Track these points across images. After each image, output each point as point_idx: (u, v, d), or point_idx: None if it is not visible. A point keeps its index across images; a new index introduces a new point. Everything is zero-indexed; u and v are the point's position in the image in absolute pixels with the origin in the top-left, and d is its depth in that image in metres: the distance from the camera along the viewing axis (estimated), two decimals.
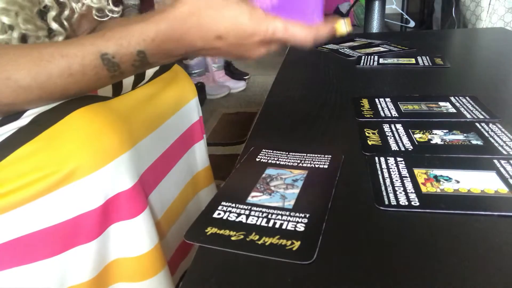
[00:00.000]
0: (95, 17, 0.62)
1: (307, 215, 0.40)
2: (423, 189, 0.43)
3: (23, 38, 0.52)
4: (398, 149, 0.52)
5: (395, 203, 0.41)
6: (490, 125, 0.58)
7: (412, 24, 3.19)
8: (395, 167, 0.48)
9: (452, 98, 0.69)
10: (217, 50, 0.44)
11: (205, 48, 0.44)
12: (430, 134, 0.56)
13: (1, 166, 0.39)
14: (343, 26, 0.47)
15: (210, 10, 0.41)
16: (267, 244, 0.36)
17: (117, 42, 0.41)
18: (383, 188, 0.44)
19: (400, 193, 0.42)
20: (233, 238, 0.37)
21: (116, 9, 0.63)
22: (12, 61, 0.40)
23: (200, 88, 2.21)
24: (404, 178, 0.45)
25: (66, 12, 0.57)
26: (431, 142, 0.54)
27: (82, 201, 0.42)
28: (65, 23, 0.58)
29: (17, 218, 0.40)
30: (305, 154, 0.52)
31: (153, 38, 0.41)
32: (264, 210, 0.41)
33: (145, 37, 0.41)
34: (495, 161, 0.48)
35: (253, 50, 0.45)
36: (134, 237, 0.47)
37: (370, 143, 0.54)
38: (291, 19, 0.44)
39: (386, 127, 0.59)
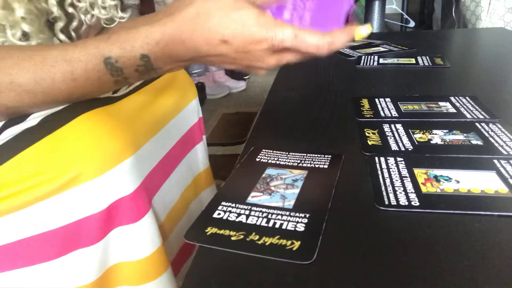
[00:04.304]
0: (104, 25, 0.62)
1: (307, 215, 0.40)
2: (423, 189, 0.43)
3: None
4: (398, 149, 0.52)
5: (395, 203, 0.41)
6: (490, 125, 0.58)
7: (412, 24, 3.20)
8: (395, 167, 0.48)
9: (452, 98, 0.69)
10: (223, 57, 0.42)
11: (210, 54, 0.42)
12: (430, 134, 0.56)
13: (5, 168, 0.39)
14: (362, 31, 0.42)
15: (218, 12, 0.40)
16: (267, 244, 0.36)
17: (121, 46, 0.41)
18: (383, 188, 0.44)
19: (400, 193, 0.42)
20: (233, 238, 0.37)
21: (125, 15, 0.62)
22: (16, 64, 0.40)
23: (200, 88, 2.21)
24: (404, 178, 0.45)
25: (75, 24, 0.57)
26: (431, 142, 0.54)
27: (84, 205, 0.42)
28: (73, 34, 0.57)
29: (19, 221, 0.40)
30: (305, 154, 0.52)
31: (157, 41, 0.41)
32: (264, 210, 0.41)
33: (149, 40, 0.40)
34: (495, 161, 0.48)
35: (262, 59, 0.42)
36: (136, 241, 0.47)
37: (370, 143, 0.54)
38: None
39: (386, 127, 0.59)
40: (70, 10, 0.56)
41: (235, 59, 0.42)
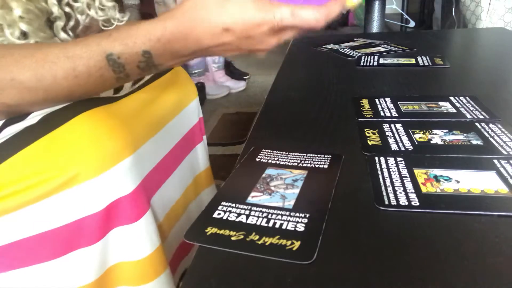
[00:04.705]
0: (102, 27, 0.62)
1: (307, 215, 0.40)
2: (423, 189, 0.43)
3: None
4: (398, 149, 0.52)
5: (395, 203, 0.41)
6: (490, 125, 0.58)
7: (412, 24, 3.20)
8: (395, 167, 0.48)
9: (452, 98, 0.69)
10: (226, 46, 0.42)
11: (213, 44, 0.42)
12: (430, 134, 0.56)
13: (4, 167, 0.39)
14: None
15: (215, 3, 0.40)
16: (267, 244, 0.36)
17: (123, 42, 0.41)
18: (383, 188, 0.44)
19: (400, 193, 0.42)
20: (233, 238, 0.37)
21: (123, 18, 0.62)
22: (17, 62, 0.40)
23: (200, 88, 2.21)
24: (404, 178, 0.45)
25: (71, 23, 0.57)
26: (431, 142, 0.54)
27: (84, 205, 0.42)
28: (71, 33, 0.58)
29: (18, 220, 0.40)
30: (305, 154, 0.52)
31: (159, 38, 0.41)
32: (264, 210, 0.41)
33: (151, 36, 0.41)
34: (495, 161, 0.48)
35: (264, 41, 0.43)
36: (136, 241, 0.47)
37: (370, 143, 0.54)
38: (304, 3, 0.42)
39: (386, 127, 0.59)
40: (67, 9, 0.56)
41: (237, 46, 0.43)
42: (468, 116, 0.61)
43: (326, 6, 0.42)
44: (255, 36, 0.42)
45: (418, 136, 0.55)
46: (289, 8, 0.41)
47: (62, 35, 0.56)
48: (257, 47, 0.43)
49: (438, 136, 0.55)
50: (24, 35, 0.50)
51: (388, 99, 0.70)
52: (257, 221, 0.39)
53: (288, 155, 0.52)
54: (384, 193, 0.43)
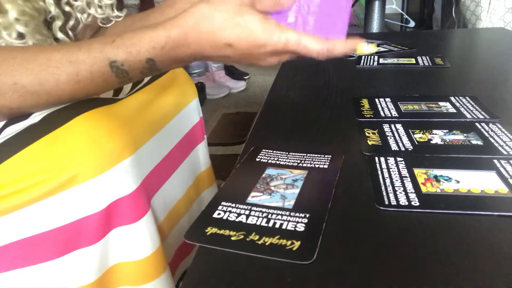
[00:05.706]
0: (100, 24, 0.62)
1: (307, 215, 0.40)
2: (423, 189, 0.43)
3: None
4: (398, 149, 0.52)
5: (395, 203, 0.41)
6: (490, 125, 0.58)
7: (412, 24, 3.19)
8: (395, 167, 0.48)
9: (452, 98, 0.69)
10: (227, 58, 0.43)
11: (215, 55, 0.43)
12: (430, 134, 0.56)
13: (4, 167, 0.39)
14: (365, 48, 0.44)
15: (222, 16, 0.40)
16: (267, 244, 0.36)
17: (127, 50, 0.41)
18: (383, 188, 0.44)
19: (400, 193, 0.42)
20: (233, 238, 0.37)
21: (120, 14, 0.63)
22: (19, 66, 0.40)
23: (200, 88, 2.21)
24: (404, 178, 0.45)
25: (71, 22, 0.58)
26: (431, 142, 0.54)
27: (84, 205, 0.42)
28: (70, 32, 0.58)
29: (18, 221, 0.40)
30: (305, 154, 0.52)
31: (163, 46, 0.41)
32: (264, 210, 0.41)
33: (155, 44, 0.41)
34: (495, 161, 0.48)
35: (264, 60, 0.44)
36: (136, 241, 0.47)
37: (370, 143, 0.54)
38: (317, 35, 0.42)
39: (386, 127, 0.59)
40: (67, 8, 0.56)
41: (238, 60, 0.44)
42: (468, 116, 0.61)
43: (333, 42, 0.42)
44: (257, 55, 0.42)
45: (418, 136, 0.55)
46: (296, 34, 0.41)
47: (60, 35, 0.56)
48: (257, 63, 0.44)
49: (438, 136, 0.55)
50: (20, 36, 0.50)
51: (388, 99, 0.70)
52: (257, 221, 0.39)
53: (288, 155, 0.52)
54: (384, 193, 0.43)
